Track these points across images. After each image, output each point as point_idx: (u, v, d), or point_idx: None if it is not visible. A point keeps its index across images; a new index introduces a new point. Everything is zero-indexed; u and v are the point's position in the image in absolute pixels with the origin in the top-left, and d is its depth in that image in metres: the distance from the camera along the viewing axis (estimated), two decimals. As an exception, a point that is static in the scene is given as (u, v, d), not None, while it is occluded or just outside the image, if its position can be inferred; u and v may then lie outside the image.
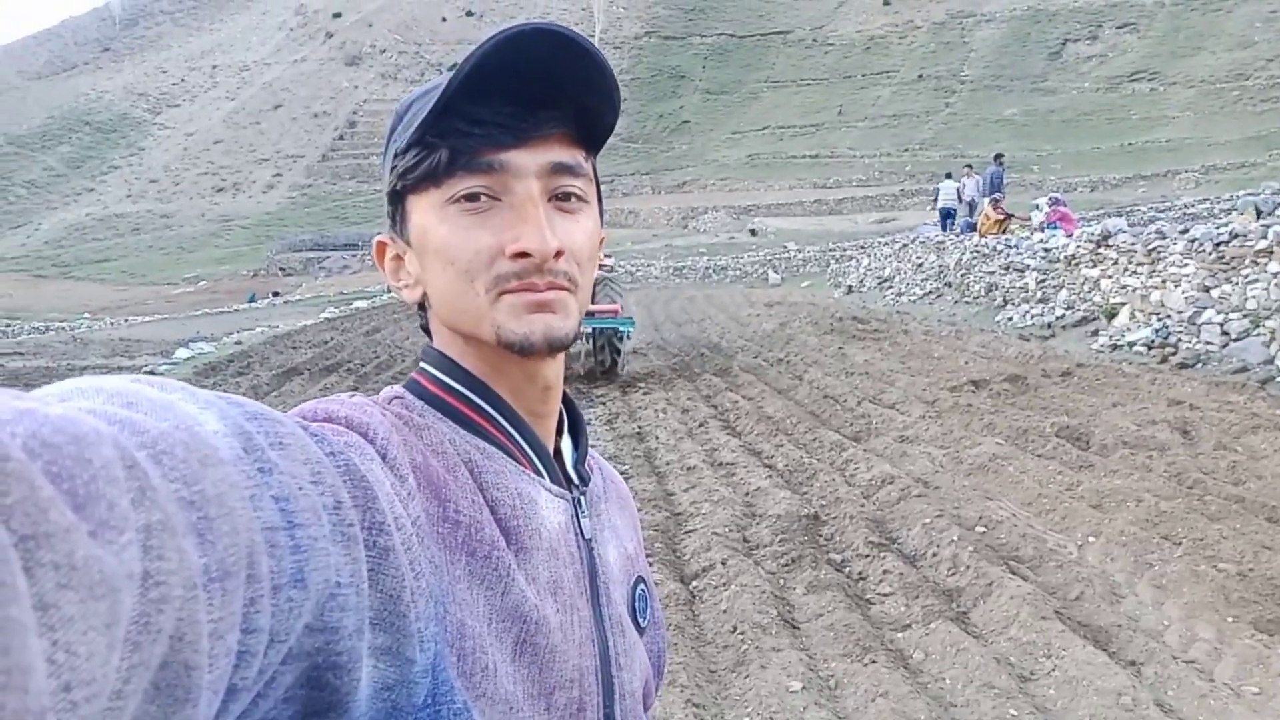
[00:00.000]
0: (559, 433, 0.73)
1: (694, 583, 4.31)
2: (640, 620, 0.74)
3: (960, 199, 19.45)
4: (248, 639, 0.34)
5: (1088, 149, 55.64)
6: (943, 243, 16.63)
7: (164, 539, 0.30)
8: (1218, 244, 8.61)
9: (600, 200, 0.71)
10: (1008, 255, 13.10)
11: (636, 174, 72.52)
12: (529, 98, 0.62)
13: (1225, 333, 8.27)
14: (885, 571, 4.25)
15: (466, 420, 0.65)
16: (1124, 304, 10.08)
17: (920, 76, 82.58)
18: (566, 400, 0.74)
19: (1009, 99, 72.48)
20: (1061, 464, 5.76)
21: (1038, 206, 15.47)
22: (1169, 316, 9.14)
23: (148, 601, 0.28)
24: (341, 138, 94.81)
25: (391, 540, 0.48)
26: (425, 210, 0.64)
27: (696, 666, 3.49)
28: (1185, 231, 9.36)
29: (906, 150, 65.53)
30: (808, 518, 4.98)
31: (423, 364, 0.69)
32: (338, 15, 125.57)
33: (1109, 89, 69.11)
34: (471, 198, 0.62)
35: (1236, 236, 8.48)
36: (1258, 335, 7.96)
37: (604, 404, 9.37)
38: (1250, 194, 15.88)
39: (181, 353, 14.29)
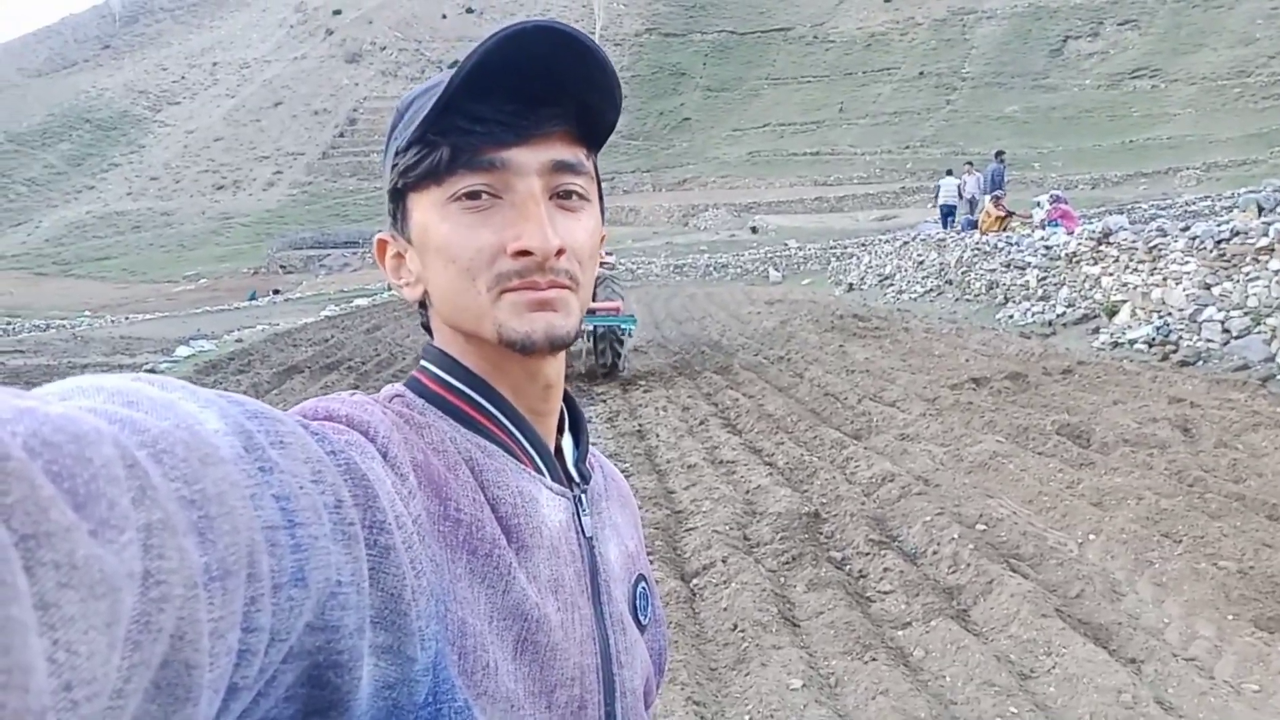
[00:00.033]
0: (560, 431, 0.73)
1: (694, 580, 4.31)
2: (641, 618, 0.75)
3: (961, 196, 19.46)
4: (248, 638, 0.34)
5: (1089, 146, 55.56)
6: (944, 240, 16.61)
7: (165, 538, 0.30)
8: (1219, 241, 8.59)
9: (601, 198, 0.71)
10: (1009, 253, 13.09)
11: (637, 171, 72.43)
12: (530, 95, 0.62)
13: (1226, 330, 8.27)
14: (885, 569, 4.25)
15: (467, 418, 0.65)
16: (1125, 302, 10.07)
17: (921, 73, 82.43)
18: (567, 398, 0.74)
19: (1010, 96, 72.35)
20: (1062, 462, 5.76)
21: (1039, 204, 15.47)
22: (1170, 314, 9.13)
23: (148, 600, 0.28)
24: (342, 135, 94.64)
25: (392, 539, 0.48)
26: (426, 208, 0.64)
27: (697, 664, 3.49)
28: (1186, 229, 9.35)
29: (907, 147, 65.42)
30: (808, 516, 4.98)
31: (423, 362, 0.69)
32: (338, 12, 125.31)
33: (1110, 86, 68.96)
34: (473, 195, 0.62)
35: (1238, 234, 8.46)
36: (1259, 333, 7.96)
37: (605, 402, 9.37)
38: (1252, 191, 15.85)
39: (182, 350, 14.29)
